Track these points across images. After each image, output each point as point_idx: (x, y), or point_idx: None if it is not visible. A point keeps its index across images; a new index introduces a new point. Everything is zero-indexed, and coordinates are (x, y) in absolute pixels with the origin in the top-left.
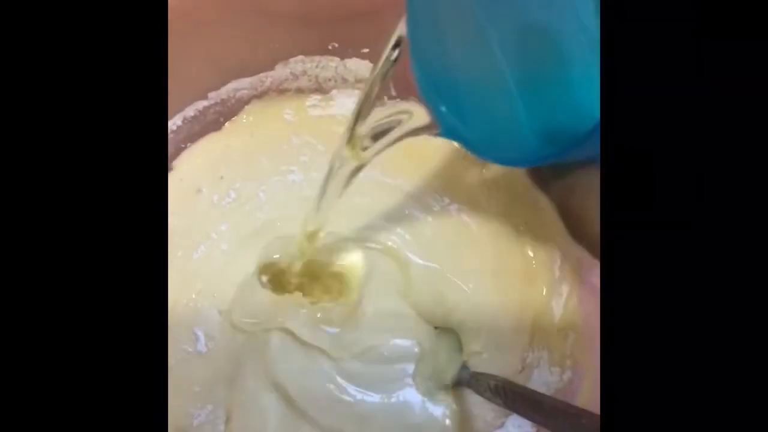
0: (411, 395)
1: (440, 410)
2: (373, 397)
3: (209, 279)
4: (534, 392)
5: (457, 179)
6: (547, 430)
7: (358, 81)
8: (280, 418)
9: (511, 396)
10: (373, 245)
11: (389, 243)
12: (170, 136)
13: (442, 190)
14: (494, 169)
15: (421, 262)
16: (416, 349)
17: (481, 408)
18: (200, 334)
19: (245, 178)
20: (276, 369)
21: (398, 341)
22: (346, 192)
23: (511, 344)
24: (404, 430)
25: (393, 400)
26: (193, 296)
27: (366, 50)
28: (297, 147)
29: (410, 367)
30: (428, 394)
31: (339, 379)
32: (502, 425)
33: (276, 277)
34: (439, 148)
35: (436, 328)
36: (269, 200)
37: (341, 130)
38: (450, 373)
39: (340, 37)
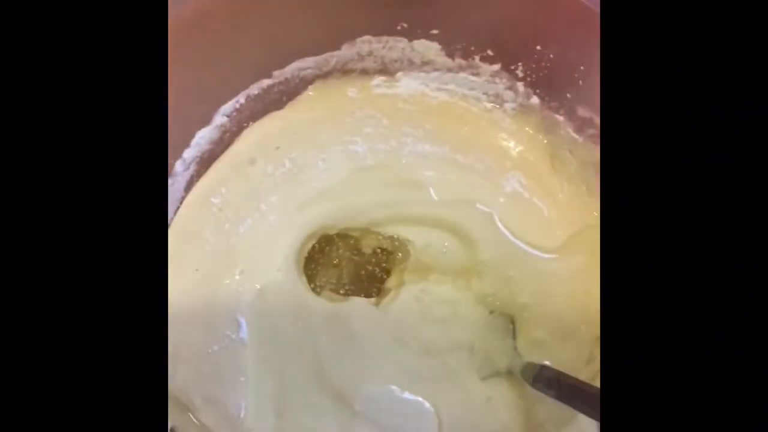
0: (470, 389)
1: (500, 404)
2: (433, 393)
3: (253, 257)
4: (590, 386)
5: (530, 163)
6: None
7: (424, 63)
8: (337, 418)
9: (566, 389)
10: (438, 223)
11: (456, 222)
12: (233, 114)
13: (515, 172)
14: (566, 161)
15: (489, 243)
16: (472, 338)
17: (546, 402)
18: (242, 321)
19: (303, 148)
20: (331, 373)
21: (454, 330)
22: (416, 165)
23: (577, 334)
24: (464, 426)
25: (452, 395)
26: (237, 277)
27: (435, 32)
28: (360, 119)
29: (466, 358)
30: (485, 380)
31: (398, 380)
32: (569, 422)
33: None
34: (513, 133)
35: (490, 313)
36: (328, 169)
37: (407, 107)
38: (503, 361)
39: (410, 17)
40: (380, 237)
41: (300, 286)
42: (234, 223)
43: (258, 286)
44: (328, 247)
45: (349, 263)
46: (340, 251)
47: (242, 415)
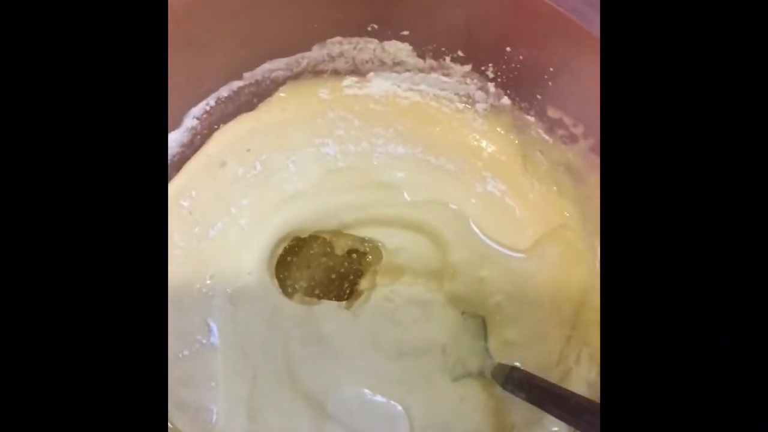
0: (441, 390)
1: (471, 406)
2: (405, 395)
3: (224, 261)
4: (560, 388)
5: (502, 164)
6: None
7: (396, 63)
8: (309, 421)
9: (536, 390)
10: (410, 225)
11: (428, 223)
12: (203, 116)
13: (487, 173)
14: (537, 161)
15: (461, 244)
16: (443, 340)
17: (517, 403)
18: (213, 326)
19: (274, 150)
20: (303, 377)
21: (425, 332)
22: (387, 166)
23: (547, 335)
24: (436, 427)
25: (424, 396)
26: (207, 281)
27: (406, 32)
28: (332, 121)
29: (438, 359)
30: (457, 381)
31: (370, 382)
32: (539, 422)
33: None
34: (484, 133)
35: (462, 314)
36: (299, 171)
37: (378, 108)
38: (474, 362)
39: (380, 18)
40: (352, 239)
41: (271, 289)
42: (204, 226)
43: (229, 291)
44: (300, 250)
45: (322, 266)
46: (313, 254)
47: (214, 420)
